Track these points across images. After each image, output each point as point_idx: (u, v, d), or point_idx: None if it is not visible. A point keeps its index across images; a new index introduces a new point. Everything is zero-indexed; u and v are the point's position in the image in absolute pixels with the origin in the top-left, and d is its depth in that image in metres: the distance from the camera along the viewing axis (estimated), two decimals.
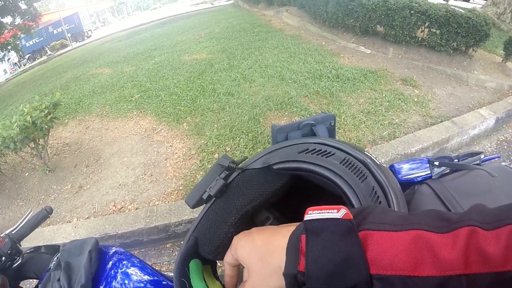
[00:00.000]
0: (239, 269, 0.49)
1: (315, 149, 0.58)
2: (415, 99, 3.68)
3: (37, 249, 0.92)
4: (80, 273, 0.69)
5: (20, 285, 0.93)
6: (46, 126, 3.14)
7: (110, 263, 0.76)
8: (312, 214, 0.34)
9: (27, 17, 13.32)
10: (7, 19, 13.13)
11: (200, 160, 3.09)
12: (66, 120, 4.79)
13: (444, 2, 6.22)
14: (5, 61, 19.94)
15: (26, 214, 1.00)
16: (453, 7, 4.67)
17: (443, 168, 0.85)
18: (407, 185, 0.93)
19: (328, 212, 0.34)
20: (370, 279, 0.30)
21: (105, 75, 6.80)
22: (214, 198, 0.62)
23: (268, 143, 3.08)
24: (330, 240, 0.32)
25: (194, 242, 0.59)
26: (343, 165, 0.53)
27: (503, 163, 0.91)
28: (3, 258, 0.86)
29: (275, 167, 0.60)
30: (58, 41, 24.94)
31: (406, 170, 0.94)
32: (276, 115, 3.59)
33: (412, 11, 4.67)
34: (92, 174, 3.33)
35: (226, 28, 8.57)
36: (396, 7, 4.78)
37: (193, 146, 3.33)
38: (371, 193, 0.49)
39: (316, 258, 0.31)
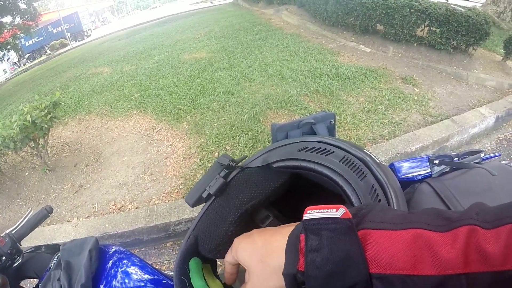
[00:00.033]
0: (239, 267, 0.49)
1: (314, 147, 0.58)
2: (415, 98, 3.67)
3: (37, 248, 0.92)
4: (80, 273, 0.69)
5: (21, 284, 0.93)
6: (46, 126, 3.14)
7: (110, 262, 0.76)
8: (311, 213, 0.34)
9: (26, 16, 13.29)
10: (7, 19, 13.10)
11: (200, 159, 3.09)
12: (66, 120, 4.79)
13: (444, 1, 6.22)
14: (4, 60, 19.92)
15: (26, 214, 1.00)
16: (453, 6, 4.66)
17: (443, 166, 0.85)
18: (407, 183, 0.93)
19: (327, 212, 0.34)
20: (370, 278, 0.30)
21: (104, 74, 6.80)
22: (214, 197, 0.62)
23: (268, 142, 3.08)
24: (329, 239, 0.32)
25: (194, 240, 0.59)
26: (342, 163, 0.53)
27: (503, 162, 0.91)
28: (4, 257, 0.86)
29: (274, 165, 0.60)
30: (58, 41, 24.92)
31: (406, 168, 0.94)
32: (276, 114, 3.58)
33: (412, 10, 4.66)
34: (92, 173, 3.33)
35: (225, 27, 8.55)
36: (396, 5, 4.78)
37: (193, 145, 3.33)
38: (371, 191, 0.49)
39: (315, 257, 0.31)
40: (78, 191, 3.12)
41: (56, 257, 0.81)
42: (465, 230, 0.28)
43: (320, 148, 0.57)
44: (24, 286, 0.94)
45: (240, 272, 0.50)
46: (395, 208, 0.47)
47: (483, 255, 0.26)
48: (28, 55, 24.88)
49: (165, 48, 7.78)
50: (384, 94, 3.74)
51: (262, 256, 0.39)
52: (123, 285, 0.70)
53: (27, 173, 3.64)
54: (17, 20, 13.24)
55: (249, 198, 0.59)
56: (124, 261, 0.76)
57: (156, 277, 0.75)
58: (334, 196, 0.55)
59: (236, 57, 5.71)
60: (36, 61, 21.12)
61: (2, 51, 14.36)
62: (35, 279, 0.90)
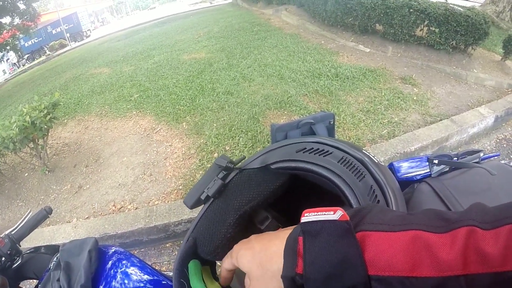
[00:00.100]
0: (234, 272, 0.50)
1: (312, 148, 0.58)
2: (414, 98, 3.68)
3: (36, 249, 0.93)
4: (80, 273, 0.69)
5: (20, 285, 0.92)
6: (45, 126, 3.13)
7: (110, 262, 0.76)
8: (309, 216, 0.34)
9: (25, 17, 13.27)
10: (6, 19, 13.08)
11: (200, 159, 3.09)
12: (65, 120, 4.79)
13: (443, 1, 6.23)
14: (4, 61, 19.93)
15: (25, 215, 1.00)
16: (452, 6, 4.66)
17: (442, 166, 0.85)
18: (407, 183, 0.93)
19: (324, 214, 0.34)
20: (369, 280, 0.30)
21: (104, 75, 6.79)
22: (212, 199, 0.62)
23: (268, 142, 3.08)
24: (327, 241, 0.32)
25: (193, 243, 0.59)
26: (341, 164, 0.53)
27: (503, 161, 0.91)
28: (3, 258, 0.86)
29: (273, 166, 0.60)
30: (57, 41, 24.89)
31: (406, 168, 0.94)
32: (276, 114, 3.58)
33: (411, 10, 4.66)
34: (92, 174, 3.33)
35: (225, 27, 8.55)
36: (395, 5, 4.78)
37: (192, 146, 3.33)
38: (369, 192, 0.49)
39: (314, 260, 0.31)
40: (78, 192, 3.11)
41: (55, 258, 0.81)
42: (464, 231, 0.28)
43: (319, 149, 0.57)
44: (24, 287, 0.94)
45: (239, 274, 0.50)
46: (394, 208, 0.47)
47: (482, 256, 0.26)
48: (27, 55, 24.85)
49: (164, 49, 7.77)
50: (383, 94, 3.74)
51: (261, 261, 0.39)
52: (123, 286, 0.70)
53: (26, 174, 3.64)
54: (16, 20, 13.22)
55: (248, 199, 0.59)
56: (124, 262, 0.76)
57: (155, 277, 0.75)
58: (332, 197, 0.55)
59: (235, 58, 5.71)
60: (36, 61, 21.09)
61: (1, 52, 14.35)
62: (34, 280, 0.90)
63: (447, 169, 0.86)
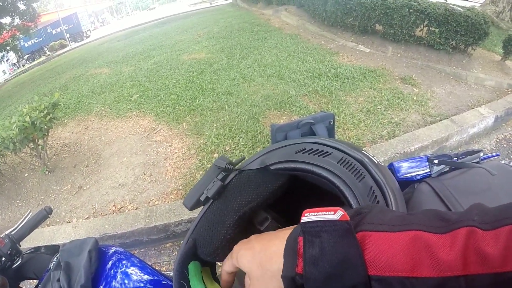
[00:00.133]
0: (235, 276, 0.50)
1: (312, 149, 0.58)
2: (414, 98, 3.68)
3: (36, 249, 0.93)
4: (80, 273, 0.69)
5: (20, 285, 0.92)
6: (45, 127, 3.13)
7: (110, 263, 0.76)
8: (309, 216, 0.34)
9: (25, 17, 13.28)
10: (6, 20, 13.09)
11: (200, 159, 3.09)
12: (65, 121, 4.79)
13: (443, 1, 6.23)
14: (4, 61, 19.91)
15: (25, 215, 1.00)
16: (452, 6, 4.66)
17: (442, 166, 0.85)
18: (406, 183, 0.93)
19: (324, 214, 0.34)
20: (369, 280, 0.30)
21: (104, 75, 6.79)
22: (212, 200, 0.62)
23: (268, 142, 3.08)
24: (328, 242, 0.32)
25: (193, 244, 0.59)
26: (340, 164, 0.53)
27: (503, 161, 0.91)
28: (3, 258, 0.86)
29: (272, 167, 0.60)
30: (57, 42, 24.89)
31: (406, 168, 0.94)
32: (276, 114, 3.59)
33: (411, 10, 4.67)
34: (92, 174, 3.33)
35: (225, 28, 8.55)
36: (395, 6, 4.78)
37: (192, 146, 3.33)
38: (369, 193, 0.49)
39: (314, 260, 0.31)
40: (78, 192, 3.11)
41: (55, 258, 0.81)
42: (464, 231, 0.28)
43: (318, 149, 0.57)
44: (24, 287, 0.94)
45: (240, 275, 0.50)
46: (394, 209, 0.47)
47: (482, 256, 0.26)
48: (27, 56, 24.86)
49: (164, 49, 7.78)
50: (383, 94, 3.74)
51: (261, 261, 0.39)
52: (123, 286, 0.70)
53: (26, 174, 3.64)
54: (16, 21, 13.23)
55: (247, 200, 0.59)
56: (124, 262, 0.76)
57: (155, 277, 0.75)
58: (332, 197, 0.55)
59: (235, 58, 5.71)
60: (35, 62, 21.10)
61: (1, 52, 14.35)
62: (34, 280, 0.90)
63: (447, 169, 0.86)
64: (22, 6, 13.10)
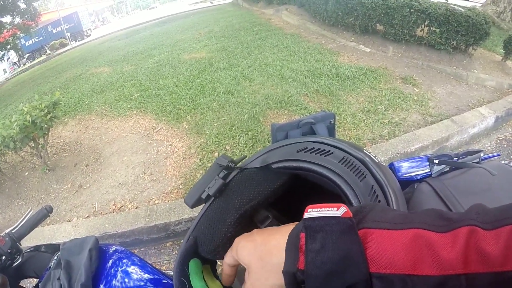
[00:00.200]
0: (237, 269, 0.49)
1: (314, 148, 0.58)
2: (415, 98, 3.68)
3: (37, 248, 0.93)
4: (80, 272, 0.69)
5: (20, 284, 0.93)
6: (46, 125, 3.14)
7: (110, 261, 0.76)
8: (312, 212, 0.34)
9: (26, 16, 13.28)
10: (6, 19, 13.09)
11: (200, 159, 3.09)
12: (66, 119, 4.79)
13: (444, 1, 6.22)
14: (4, 60, 19.89)
15: (26, 213, 1.01)
16: (453, 6, 4.66)
17: (442, 166, 0.85)
18: (407, 183, 0.93)
19: (327, 210, 0.34)
20: (370, 277, 0.30)
21: (104, 74, 6.79)
22: (213, 198, 0.62)
23: (268, 142, 3.08)
24: (330, 238, 0.32)
25: (194, 241, 0.59)
26: (342, 164, 0.53)
27: (503, 162, 0.91)
28: (3, 257, 0.86)
29: (274, 166, 0.60)
30: (58, 40, 24.90)
31: (406, 168, 0.94)
32: (276, 114, 3.58)
33: (412, 10, 4.66)
34: (92, 173, 3.33)
35: (225, 27, 8.55)
36: (395, 5, 4.78)
37: (193, 145, 3.33)
38: (370, 192, 0.49)
39: (316, 256, 0.31)
40: (78, 191, 3.12)
41: (56, 257, 0.81)
42: (465, 230, 0.28)
43: (320, 148, 0.57)
44: (24, 286, 0.94)
45: (240, 272, 0.50)
46: (395, 208, 0.47)
47: (483, 255, 0.26)
48: (27, 55, 24.86)
49: (165, 48, 7.78)
50: (384, 94, 3.74)
51: (261, 254, 0.39)
52: (123, 285, 0.70)
53: (27, 173, 3.64)
54: (17, 20, 13.23)
55: (249, 199, 0.59)
56: (124, 261, 0.76)
57: (156, 276, 0.75)
58: (333, 197, 0.55)
59: (236, 57, 5.71)
60: (36, 61, 21.10)
61: (2, 51, 14.34)
62: (35, 279, 0.90)
63: (448, 169, 0.86)
64: (22, 5, 13.11)
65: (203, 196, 0.62)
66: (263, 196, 0.60)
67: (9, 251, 0.86)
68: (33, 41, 24.60)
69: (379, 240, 0.31)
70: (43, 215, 1.00)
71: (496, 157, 1.04)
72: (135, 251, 2.49)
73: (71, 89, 6.45)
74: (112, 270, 0.74)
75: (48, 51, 23.88)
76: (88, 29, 28.76)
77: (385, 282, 0.29)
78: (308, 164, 0.56)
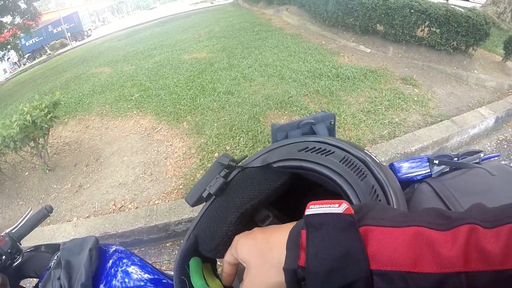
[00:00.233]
0: (237, 268, 0.49)
1: (315, 147, 0.58)
2: (415, 98, 3.68)
3: (37, 248, 0.93)
4: (80, 272, 0.69)
5: (20, 284, 0.93)
6: (46, 125, 3.14)
7: (110, 261, 0.76)
8: (313, 208, 0.34)
9: (26, 16, 13.29)
10: (7, 19, 13.10)
11: (200, 159, 3.09)
12: (66, 119, 4.79)
13: (444, 1, 6.22)
14: (4, 60, 19.87)
15: (26, 213, 1.01)
16: (453, 6, 4.67)
17: (442, 166, 0.85)
18: (407, 183, 0.93)
19: (329, 207, 0.34)
20: (370, 274, 0.30)
21: (105, 74, 6.80)
22: (214, 197, 0.62)
23: (268, 142, 3.08)
24: (331, 235, 0.32)
25: (194, 240, 0.59)
26: (342, 163, 0.53)
27: (503, 162, 0.91)
28: (3, 257, 0.86)
29: (275, 165, 0.60)
30: (58, 40, 24.91)
31: (406, 168, 0.94)
32: (276, 114, 3.59)
33: (412, 10, 4.66)
34: (92, 173, 3.33)
35: (226, 27, 8.56)
36: (396, 6, 4.78)
37: (193, 145, 3.33)
38: (371, 192, 0.49)
39: (316, 252, 0.31)
40: (78, 191, 3.12)
41: (56, 257, 0.81)
42: (466, 228, 0.28)
43: (320, 148, 0.57)
44: (24, 286, 0.94)
45: (240, 271, 0.50)
46: (395, 208, 0.47)
47: (483, 254, 0.26)
48: (28, 54, 24.87)
49: (165, 48, 7.78)
50: (384, 94, 3.74)
51: (262, 251, 0.39)
52: (123, 285, 0.70)
53: (27, 173, 3.64)
54: (17, 20, 13.24)
55: (249, 198, 0.59)
56: (124, 261, 0.76)
57: (156, 276, 0.75)
58: (334, 196, 0.55)
59: (236, 57, 5.71)
60: (36, 60, 21.12)
61: (2, 51, 14.35)
62: (35, 279, 0.90)
63: (448, 169, 0.86)
64: (23, 5, 13.12)
65: (204, 195, 0.62)
66: (264, 195, 0.60)
67: (9, 251, 0.87)
68: (34, 41, 24.61)
69: (380, 238, 0.31)
70: (43, 215, 1.00)
71: (496, 158, 1.04)
72: (135, 251, 2.49)
73: (71, 89, 6.45)
74: (112, 270, 0.74)
75: (49, 51, 23.89)
76: (89, 29, 28.78)
77: (385, 279, 0.29)
78: (309, 163, 0.56)
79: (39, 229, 2.57)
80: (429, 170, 0.88)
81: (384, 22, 5.11)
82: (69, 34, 25.18)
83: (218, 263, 0.66)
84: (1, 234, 0.90)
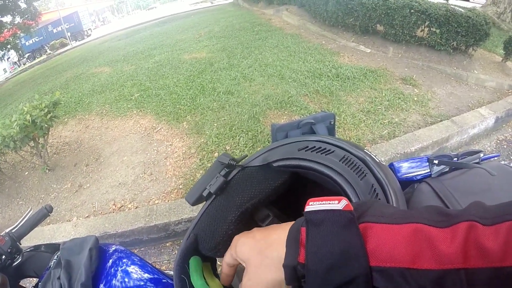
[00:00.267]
0: (236, 269, 0.50)
1: (314, 146, 0.58)
2: (415, 98, 3.68)
3: (37, 247, 0.93)
4: (80, 271, 0.69)
5: (20, 283, 0.93)
6: (46, 125, 3.14)
7: (110, 261, 0.76)
8: (313, 205, 0.34)
9: (26, 16, 13.28)
10: (7, 18, 13.09)
11: (200, 159, 3.09)
12: (66, 119, 4.79)
13: (444, 1, 6.22)
14: (4, 60, 19.88)
15: (26, 213, 1.01)
16: (453, 6, 4.67)
17: (442, 166, 0.86)
18: (407, 183, 0.93)
19: (329, 203, 0.34)
20: (370, 271, 0.30)
21: (104, 74, 6.80)
22: (214, 196, 0.62)
23: (268, 142, 3.08)
24: (330, 231, 0.32)
25: (194, 239, 0.59)
26: (342, 162, 0.53)
27: (503, 162, 0.91)
28: (3, 256, 0.86)
29: (275, 164, 0.60)
30: (58, 40, 24.90)
31: (406, 168, 0.94)
32: (276, 114, 3.59)
33: (412, 10, 4.66)
34: (92, 173, 3.33)
35: (225, 27, 8.56)
36: (396, 6, 4.78)
37: (193, 145, 3.33)
38: (370, 191, 0.49)
39: (316, 249, 0.32)
40: (78, 191, 3.12)
41: (56, 256, 0.81)
42: (465, 226, 0.28)
43: (320, 147, 0.57)
44: (24, 285, 0.94)
45: (239, 271, 0.50)
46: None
47: (482, 251, 0.26)
48: (28, 54, 24.86)
49: (165, 48, 7.78)
50: (384, 94, 3.74)
51: (261, 249, 0.39)
52: (123, 284, 0.70)
53: (26, 173, 3.64)
54: (17, 19, 13.23)
55: (250, 197, 0.60)
56: (124, 260, 0.76)
57: (156, 276, 0.75)
58: (334, 195, 0.56)
59: (236, 57, 5.71)
60: (36, 60, 21.11)
61: (2, 51, 14.35)
62: (35, 278, 0.90)
63: (447, 169, 0.86)
64: (23, 5, 13.11)
65: (204, 194, 0.62)
66: (264, 194, 0.60)
67: (9, 250, 0.87)
68: (33, 41, 24.60)
69: (379, 234, 0.31)
70: (43, 215, 1.00)
71: (495, 158, 1.04)
72: (135, 251, 2.49)
73: (71, 88, 6.45)
74: (112, 269, 0.74)
75: (48, 51, 23.89)
76: (89, 29, 28.77)
77: (385, 276, 0.29)
78: (309, 162, 0.56)
79: (39, 229, 2.57)
80: (428, 170, 0.88)
81: (384, 22, 5.11)
82: (69, 34, 25.17)
83: (218, 262, 0.66)
84: (1, 234, 0.90)
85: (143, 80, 5.56)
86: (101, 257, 0.77)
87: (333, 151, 0.56)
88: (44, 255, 0.90)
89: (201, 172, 2.91)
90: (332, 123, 0.85)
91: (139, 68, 6.47)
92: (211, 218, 0.60)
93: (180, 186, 2.81)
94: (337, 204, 0.33)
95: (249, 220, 0.62)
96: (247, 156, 0.68)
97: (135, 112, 4.40)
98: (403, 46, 5.05)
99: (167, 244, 2.49)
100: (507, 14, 6.84)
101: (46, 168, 3.46)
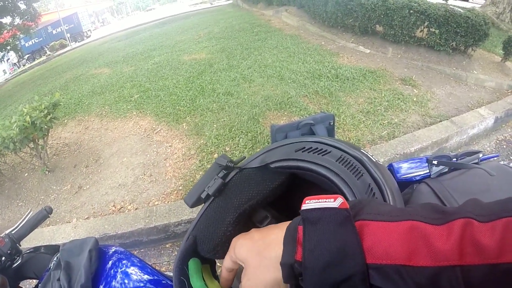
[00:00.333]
0: (235, 274, 0.50)
1: (311, 147, 0.58)
2: (414, 99, 3.68)
3: (36, 249, 0.93)
4: (80, 273, 0.69)
5: (20, 285, 0.93)
6: (45, 127, 3.13)
7: (110, 262, 0.76)
8: (309, 203, 0.35)
9: (26, 17, 13.31)
10: (6, 19, 13.11)
11: (200, 160, 3.09)
12: (65, 121, 4.79)
13: (443, 2, 6.23)
14: (4, 61, 19.91)
15: (25, 214, 1.01)
16: (452, 7, 4.67)
17: (441, 167, 0.86)
18: (406, 184, 0.93)
19: (325, 201, 0.34)
20: (367, 269, 0.30)
21: (104, 75, 6.80)
22: (212, 197, 0.62)
23: (268, 143, 3.08)
24: (327, 229, 0.32)
25: (193, 241, 0.59)
26: (339, 162, 0.54)
27: (502, 162, 0.91)
28: (3, 258, 0.86)
29: (272, 165, 0.60)
30: (57, 41, 24.92)
31: (405, 169, 0.94)
32: (276, 115, 3.59)
33: (411, 11, 4.67)
34: (92, 174, 3.33)
35: (225, 28, 8.56)
36: (395, 6, 4.79)
37: (192, 146, 3.33)
38: (367, 190, 0.49)
39: (313, 247, 0.32)
40: (78, 192, 3.12)
41: (55, 258, 0.81)
42: (461, 222, 0.28)
43: (317, 148, 0.58)
44: (24, 287, 0.94)
45: (239, 273, 0.50)
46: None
47: (478, 247, 0.26)
48: (27, 55, 24.90)
49: (165, 49, 7.79)
50: (383, 95, 3.75)
51: (260, 249, 0.40)
52: (123, 286, 0.70)
53: (26, 174, 3.64)
54: (17, 20, 13.26)
55: (248, 198, 0.60)
56: (124, 262, 0.76)
57: (155, 277, 0.75)
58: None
59: (235, 58, 5.72)
60: (36, 61, 21.12)
61: (1, 52, 14.35)
62: (34, 280, 0.90)
63: (446, 170, 0.86)
64: (22, 6, 13.14)
65: (203, 196, 0.62)
66: (262, 195, 0.60)
67: (8, 252, 0.87)
68: (33, 42, 24.64)
69: (375, 232, 0.31)
70: (42, 216, 1.00)
71: (495, 158, 1.04)
72: (135, 252, 2.49)
73: (71, 90, 6.45)
74: (112, 271, 0.74)
75: (48, 52, 23.89)
76: (88, 30, 28.82)
77: (381, 273, 0.29)
78: (306, 163, 0.56)
79: (38, 230, 2.57)
80: (428, 171, 0.88)
81: (383, 22, 5.12)
82: (68, 35, 25.20)
83: (218, 264, 0.67)
84: (1, 235, 0.90)
85: (143, 81, 5.57)
86: (100, 259, 0.77)
87: (329, 152, 0.56)
88: (44, 257, 0.90)
89: (200, 173, 2.91)
90: (332, 124, 0.85)
91: (139, 69, 6.47)
92: (209, 220, 0.60)
93: (180, 187, 2.81)
94: (333, 202, 0.34)
95: (247, 222, 0.62)
96: (245, 157, 0.69)
97: (134, 113, 4.40)
98: (403, 46, 5.06)
99: (167, 246, 2.49)
100: (506, 14, 6.85)
101: (46, 170, 3.46)
